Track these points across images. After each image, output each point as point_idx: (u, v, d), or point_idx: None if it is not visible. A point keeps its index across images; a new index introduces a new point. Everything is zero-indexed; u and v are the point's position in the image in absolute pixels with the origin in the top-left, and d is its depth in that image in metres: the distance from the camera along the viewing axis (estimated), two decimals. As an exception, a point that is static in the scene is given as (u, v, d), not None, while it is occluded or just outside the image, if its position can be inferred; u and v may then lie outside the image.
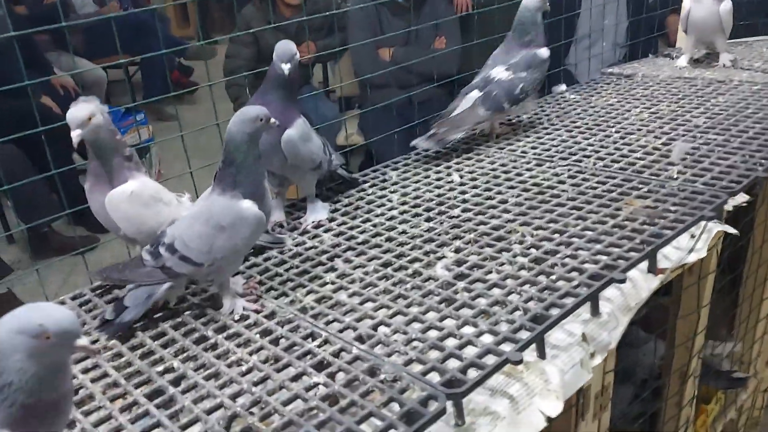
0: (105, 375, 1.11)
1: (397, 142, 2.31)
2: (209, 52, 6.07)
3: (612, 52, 3.28)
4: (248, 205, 1.17)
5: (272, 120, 1.19)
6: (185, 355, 1.14)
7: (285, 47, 1.48)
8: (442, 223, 1.53)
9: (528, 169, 1.78)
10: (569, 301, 1.15)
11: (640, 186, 1.58)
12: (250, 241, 1.24)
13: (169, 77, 5.19)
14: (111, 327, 1.20)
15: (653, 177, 1.63)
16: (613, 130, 2.00)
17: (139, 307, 1.20)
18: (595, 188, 1.61)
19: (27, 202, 3.34)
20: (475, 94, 1.95)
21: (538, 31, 1.99)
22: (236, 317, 1.24)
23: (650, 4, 3.11)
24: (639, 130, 1.97)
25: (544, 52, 1.99)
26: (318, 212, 1.63)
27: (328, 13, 2.69)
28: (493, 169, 1.81)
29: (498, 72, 1.97)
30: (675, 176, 1.62)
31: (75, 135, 1.19)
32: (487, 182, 1.73)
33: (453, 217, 1.55)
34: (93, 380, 1.10)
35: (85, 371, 1.13)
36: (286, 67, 1.46)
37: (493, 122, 2.04)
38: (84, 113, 1.19)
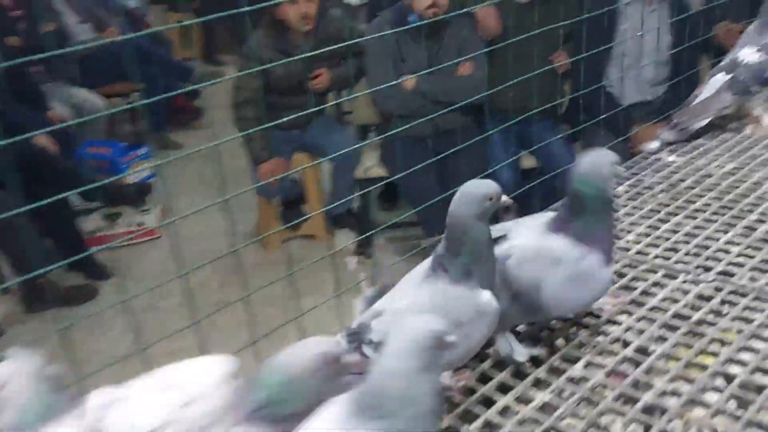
0: None
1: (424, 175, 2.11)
2: (215, 75, 5.83)
3: (654, 71, 2.96)
4: (488, 298, 1.00)
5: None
6: None
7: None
8: None
9: (656, 283, 1.29)
10: None
11: None
12: (483, 341, 1.05)
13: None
14: None
15: None
16: (753, 217, 1.44)
17: None
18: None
19: (19, 251, 3.06)
20: (721, 77, 1.89)
21: None
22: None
23: (693, 15, 2.79)
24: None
25: None
26: None
27: (340, 44, 2.38)
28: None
29: (746, 54, 1.87)
30: None
31: None
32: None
33: None
34: None
35: None
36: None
37: (740, 105, 1.93)
38: None
